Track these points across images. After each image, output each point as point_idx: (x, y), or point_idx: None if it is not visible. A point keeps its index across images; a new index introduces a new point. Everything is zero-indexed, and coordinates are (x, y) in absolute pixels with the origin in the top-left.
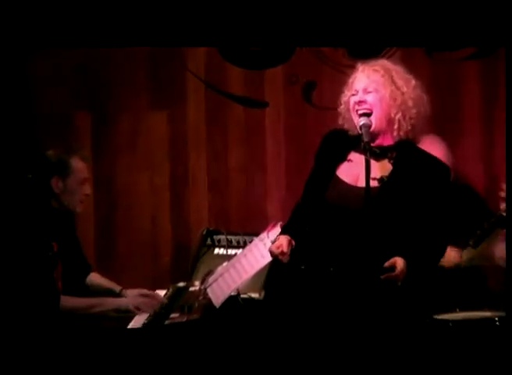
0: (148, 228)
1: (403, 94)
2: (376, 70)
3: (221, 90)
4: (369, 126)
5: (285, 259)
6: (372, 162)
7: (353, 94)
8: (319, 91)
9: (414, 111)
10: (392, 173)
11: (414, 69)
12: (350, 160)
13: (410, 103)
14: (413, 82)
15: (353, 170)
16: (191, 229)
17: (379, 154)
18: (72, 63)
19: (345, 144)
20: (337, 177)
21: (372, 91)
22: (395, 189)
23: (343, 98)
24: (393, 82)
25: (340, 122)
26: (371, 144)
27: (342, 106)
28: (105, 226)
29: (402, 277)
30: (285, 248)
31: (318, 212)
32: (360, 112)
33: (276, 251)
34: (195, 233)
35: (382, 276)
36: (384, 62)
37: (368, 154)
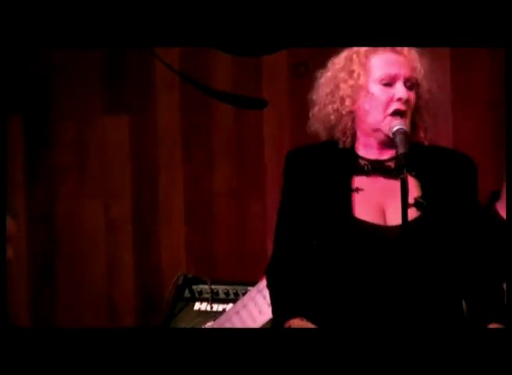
0: (103, 277)
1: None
2: (421, 54)
3: (203, 84)
4: (406, 133)
5: None
6: (390, 182)
7: (386, 84)
8: None
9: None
10: (424, 190)
11: None
12: (358, 190)
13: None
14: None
15: (370, 203)
16: (163, 276)
17: (398, 169)
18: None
19: (341, 166)
20: (354, 219)
21: (415, 85)
22: (437, 212)
23: (347, 84)
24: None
25: (326, 124)
26: (375, 158)
27: (345, 95)
28: (43, 276)
29: None
30: None
31: (337, 274)
32: (393, 110)
33: None
34: (168, 282)
35: None
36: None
37: (404, 172)
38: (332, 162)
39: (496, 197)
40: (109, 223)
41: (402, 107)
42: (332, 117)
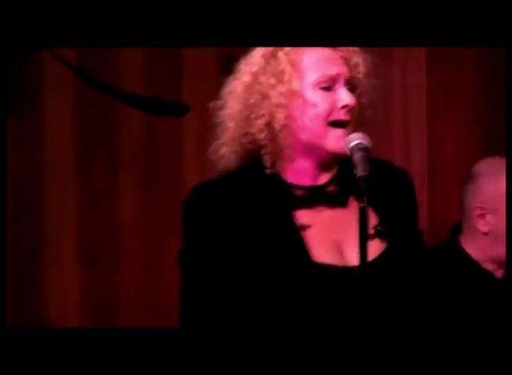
0: None
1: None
2: (357, 50)
3: (105, 83)
4: (368, 149)
5: None
6: (338, 212)
7: (325, 88)
8: None
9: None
10: (381, 215)
11: None
12: (305, 227)
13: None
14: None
15: (324, 241)
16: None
17: (341, 193)
18: None
19: (273, 201)
20: (313, 264)
21: (356, 86)
22: (401, 241)
23: (277, 91)
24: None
25: (248, 146)
26: (312, 184)
27: (261, 110)
28: None
29: None
30: None
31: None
32: (337, 121)
33: None
34: None
35: None
36: None
37: (365, 200)
38: (259, 196)
39: (458, 230)
40: None
41: (347, 116)
42: (263, 136)
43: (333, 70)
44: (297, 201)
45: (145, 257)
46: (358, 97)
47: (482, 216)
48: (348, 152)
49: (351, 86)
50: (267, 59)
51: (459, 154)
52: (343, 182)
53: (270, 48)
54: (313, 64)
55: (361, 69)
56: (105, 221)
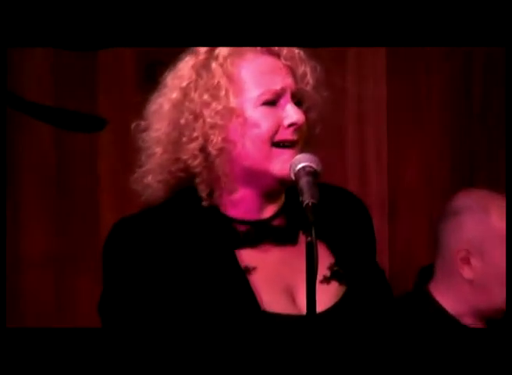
0: None
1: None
2: (308, 54)
3: (8, 92)
4: (316, 173)
5: None
6: (286, 250)
7: (268, 103)
8: None
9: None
10: (336, 253)
11: None
12: (250, 269)
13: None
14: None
15: (273, 285)
16: None
17: (290, 228)
18: None
19: (213, 238)
20: (263, 314)
21: (304, 99)
22: (360, 281)
23: (212, 109)
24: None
25: (181, 174)
26: (255, 218)
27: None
28: None
29: None
30: None
31: None
32: (283, 141)
33: None
34: None
35: None
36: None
37: (313, 233)
38: (195, 234)
39: (427, 275)
40: None
41: (295, 136)
42: (196, 162)
43: (278, 84)
44: (240, 238)
45: (52, 296)
46: (306, 112)
47: (467, 259)
48: (293, 177)
49: (298, 99)
50: (198, 72)
51: (425, 178)
52: (292, 214)
53: (201, 58)
54: (253, 76)
55: (309, 79)
56: (6, 256)
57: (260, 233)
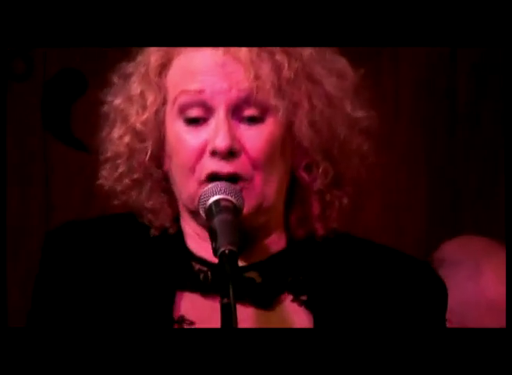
0: None
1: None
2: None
3: None
4: (235, 209)
5: None
6: (259, 316)
7: (192, 121)
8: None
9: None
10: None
11: None
12: (186, 323)
13: (341, 133)
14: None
15: None
16: None
17: (267, 285)
18: None
19: (160, 271)
20: None
21: (265, 112)
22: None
23: (140, 121)
24: (310, 80)
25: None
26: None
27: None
28: None
29: None
30: None
31: None
32: (207, 175)
33: None
34: None
35: None
36: None
37: (230, 292)
38: (140, 259)
39: None
40: None
41: (223, 168)
42: (136, 181)
43: (207, 90)
44: (191, 280)
45: None
46: (290, 130)
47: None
48: (203, 214)
49: (252, 114)
50: (139, 68)
51: (387, 216)
52: (280, 267)
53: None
54: (178, 78)
55: (274, 82)
56: None
57: (219, 282)
